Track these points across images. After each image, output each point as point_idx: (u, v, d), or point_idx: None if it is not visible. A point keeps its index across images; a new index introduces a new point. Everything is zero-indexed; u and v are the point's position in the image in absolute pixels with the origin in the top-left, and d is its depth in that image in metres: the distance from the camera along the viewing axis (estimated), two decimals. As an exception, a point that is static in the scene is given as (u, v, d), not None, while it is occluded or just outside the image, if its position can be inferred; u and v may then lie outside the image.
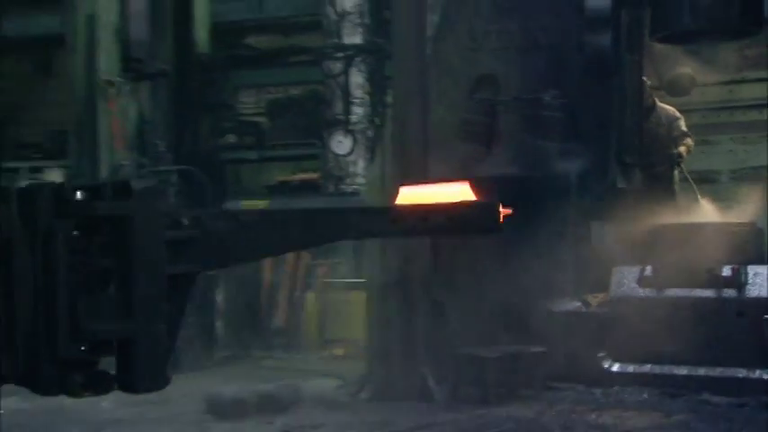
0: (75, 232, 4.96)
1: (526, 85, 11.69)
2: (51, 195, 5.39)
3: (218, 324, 14.54)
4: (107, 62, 13.87)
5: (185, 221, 5.96)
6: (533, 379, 10.47)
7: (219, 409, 9.99)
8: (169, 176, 13.75)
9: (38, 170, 19.51)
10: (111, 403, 11.05)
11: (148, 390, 6.07)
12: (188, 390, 11.22)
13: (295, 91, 19.78)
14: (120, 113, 13.75)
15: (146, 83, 14.03)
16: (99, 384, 5.39)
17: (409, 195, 7.33)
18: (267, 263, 15.23)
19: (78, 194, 5.28)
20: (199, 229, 6.19)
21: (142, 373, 5.72)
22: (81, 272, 5.31)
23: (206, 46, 14.88)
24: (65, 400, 10.41)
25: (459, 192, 7.38)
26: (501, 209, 7.59)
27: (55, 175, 18.28)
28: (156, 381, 6.08)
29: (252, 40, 20.59)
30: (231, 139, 17.39)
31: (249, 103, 20.52)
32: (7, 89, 22.48)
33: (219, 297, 14.52)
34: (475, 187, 7.57)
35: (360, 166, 15.84)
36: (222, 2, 16.21)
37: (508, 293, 10.76)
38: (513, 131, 11.77)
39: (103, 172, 13.52)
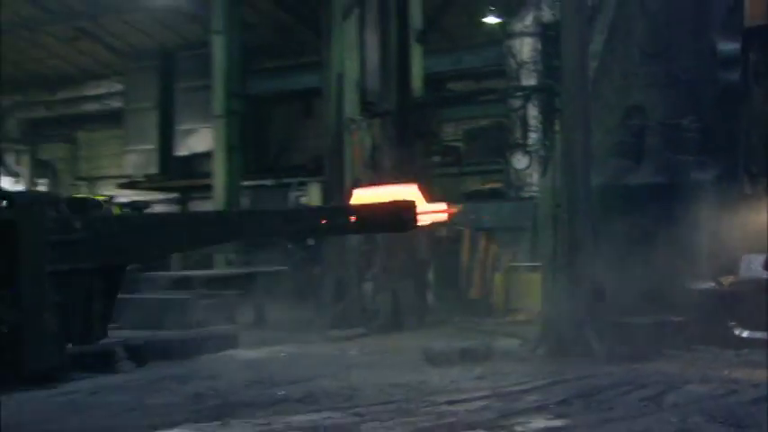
0: None
1: (668, 112, 11.55)
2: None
3: (430, 296, 14.45)
4: (350, 106, 14.08)
5: (77, 225, 5.80)
6: (675, 342, 10.15)
7: (432, 358, 10.02)
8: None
9: (303, 184, 19.85)
10: (356, 351, 11.20)
11: (36, 371, 5.91)
12: (409, 344, 11.23)
13: (484, 122, 19.82)
14: (359, 142, 13.94)
15: (377, 119, 14.13)
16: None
17: (360, 196, 7.09)
18: (465, 251, 15.14)
19: None
20: (90, 231, 5.78)
21: (30, 355, 5.57)
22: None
23: (420, 91, 14.87)
24: (323, 348, 10.53)
25: (408, 193, 7.07)
26: (433, 208, 7.28)
27: (315, 188, 18.62)
28: (45, 361, 5.88)
29: (452, 85, 20.58)
30: (437, 158, 17.33)
31: (450, 132, 20.63)
32: (282, 127, 23.11)
33: (430, 276, 14.50)
34: (422, 188, 7.35)
35: (534, 177, 15.75)
36: (431, 58, 16.16)
37: (654, 275, 10.51)
38: (658, 149, 11.59)
39: (348, 184, 13.71)
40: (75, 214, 5.72)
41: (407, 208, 6.28)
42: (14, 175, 27.47)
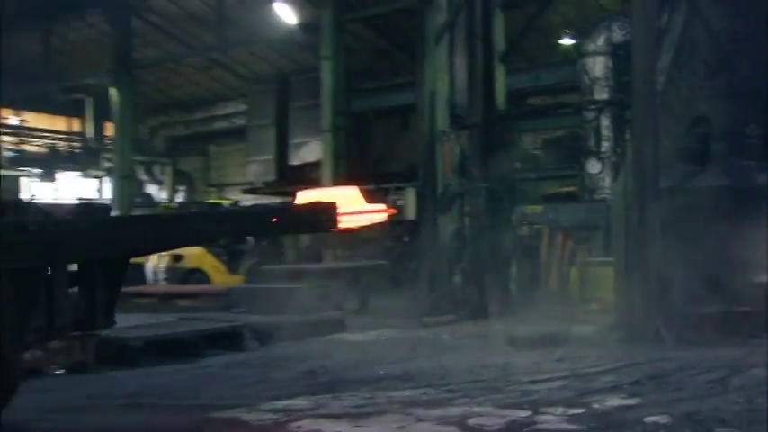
0: None
1: (730, 121, 11.20)
2: None
3: (512, 286, 14.29)
4: (441, 120, 14.00)
5: (31, 228, 5.53)
6: (740, 331, 9.73)
7: (516, 342, 9.89)
8: (480, 191, 13.77)
9: (400, 189, 19.85)
10: (448, 336, 11.12)
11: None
12: (495, 330, 11.11)
13: (560, 132, 19.52)
14: (450, 152, 13.87)
15: (465, 131, 14.07)
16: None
17: (304, 197, 6.82)
18: (544, 247, 14.93)
19: None
20: (45, 233, 5.45)
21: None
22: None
23: (503, 105, 14.80)
24: (419, 333, 10.46)
25: (348, 194, 6.78)
26: (371, 209, 6.99)
27: (411, 192, 18.61)
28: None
29: (531, 100, 20.35)
30: (518, 165, 17.15)
31: (530, 142, 20.42)
32: (381, 139, 23.17)
33: (513, 269, 14.34)
34: (362, 190, 7.06)
35: (606, 181, 15.43)
36: (512, 76, 16.02)
37: (719, 269, 10.20)
38: (722, 155, 11.25)
39: (439, 189, 13.68)
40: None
41: (326, 210, 6.09)
42: (159, 183, 28.15)
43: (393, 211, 6.79)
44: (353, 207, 6.21)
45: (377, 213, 6.37)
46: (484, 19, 14.45)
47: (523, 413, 6.12)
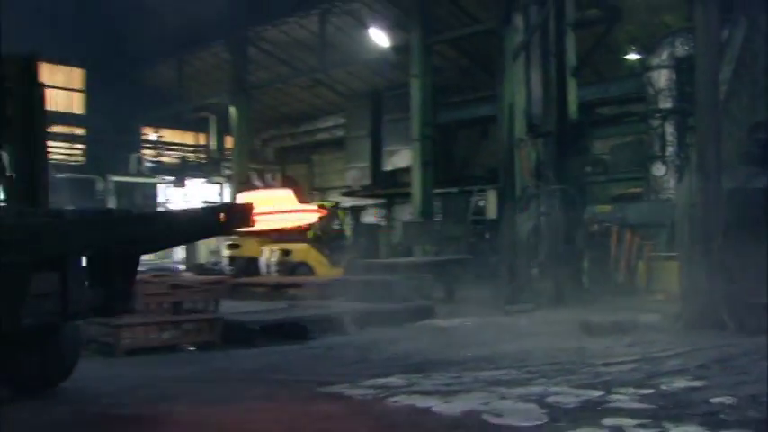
0: None
1: None
2: None
3: (584, 278, 14.00)
4: (519, 129, 13.80)
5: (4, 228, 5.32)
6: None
7: (589, 329, 9.59)
8: (555, 192, 13.58)
9: (482, 191, 19.71)
10: (526, 322, 10.98)
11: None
12: (569, 318, 10.87)
13: (628, 139, 19.08)
14: (527, 157, 13.68)
15: (540, 139, 13.87)
16: None
17: (244, 198, 6.37)
18: (613, 243, 14.60)
19: None
20: (20, 230, 5.40)
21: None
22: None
23: (574, 115, 14.49)
24: (500, 319, 10.30)
25: (282, 196, 6.34)
26: (303, 209, 6.70)
27: (492, 194, 18.46)
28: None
29: (600, 109, 19.96)
30: (589, 169, 16.83)
31: (600, 147, 20.01)
32: (464, 147, 23.07)
33: (585, 263, 14.07)
34: (297, 192, 6.77)
35: (671, 183, 15.15)
36: (583, 88, 15.72)
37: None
38: None
39: (517, 191, 13.53)
40: None
41: (237, 211, 6.02)
42: (270, 187, 28.60)
43: (323, 212, 6.72)
44: (285, 207, 6.23)
45: (307, 213, 6.34)
46: (557, 38, 14.30)
47: (597, 393, 5.97)
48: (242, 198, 6.27)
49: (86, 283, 5.98)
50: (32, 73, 6.40)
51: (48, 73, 28.76)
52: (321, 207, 21.45)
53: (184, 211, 7.11)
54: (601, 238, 14.73)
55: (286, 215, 6.24)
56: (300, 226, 6.55)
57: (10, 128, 6.32)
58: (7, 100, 6.32)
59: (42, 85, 6.44)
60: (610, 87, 19.09)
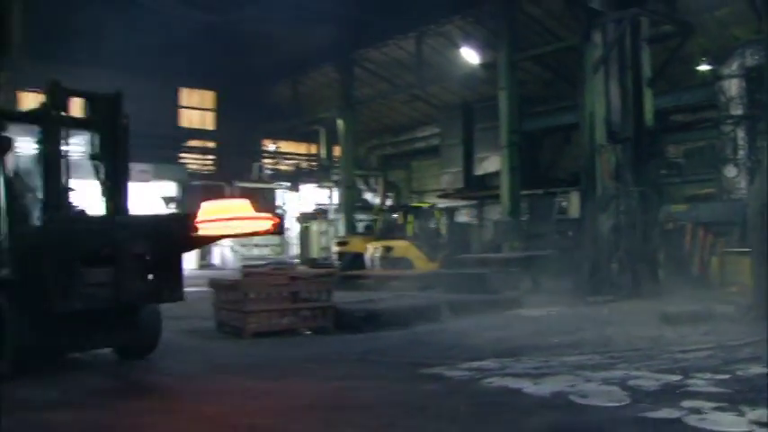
0: None
1: None
2: None
3: (661, 272, 13.54)
4: (599, 135, 13.45)
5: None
6: None
7: (667, 318, 9.32)
8: (633, 193, 13.26)
9: (566, 192, 19.37)
10: (607, 312, 10.70)
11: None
12: (647, 308, 10.60)
13: (700, 143, 18.38)
14: (607, 161, 13.34)
15: (619, 144, 13.53)
16: None
17: (206, 208, 6.26)
18: (687, 240, 14.08)
19: None
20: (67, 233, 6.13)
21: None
22: None
23: (650, 122, 14.09)
24: (583, 310, 10.06)
25: (238, 205, 6.28)
26: (257, 216, 6.45)
27: (575, 196, 18.09)
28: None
29: (675, 116, 19.28)
30: (664, 171, 16.30)
31: (674, 152, 19.33)
32: (548, 152, 22.72)
33: (661, 258, 13.65)
34: (253, 202, 6.33)
35: (742, 184, 14.48)
36: (658, 97, 15.24)
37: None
38: None
39: (598, 192, 13.18)
40: None
41: (179, 221, 6.37)
42: (373, 191, 28.87)
43: (276, 220, 6.62)
44: (242, 215, 6.23)
45: (261, 221, 6.35)
46: (633, 52, 14.00)
47: (675, 377, 5.82)
48: (204, 207, 6.38)
49: (139, 274, 6.46)
50: (118, 107, 7.06)
51: (186, 96, 30.06)
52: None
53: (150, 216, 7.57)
54: (676, 236, 14.24)
55: (242, 222, 6.29)
56: (257, 231, 6.60)
57: (103, 149, 7.02)
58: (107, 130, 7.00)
59: (126, 117, 7.04)
60: (683, 96, 18.42)
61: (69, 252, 6.12)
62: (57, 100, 6.68)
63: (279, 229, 6.64)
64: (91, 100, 7.17)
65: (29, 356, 6.22)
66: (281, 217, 6.39)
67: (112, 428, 4.77)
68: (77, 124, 7.05)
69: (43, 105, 6.71)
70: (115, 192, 6.92)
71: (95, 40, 22.57)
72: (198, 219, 6.20)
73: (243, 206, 6.35)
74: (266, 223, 6.38)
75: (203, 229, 6.23)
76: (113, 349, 7.25)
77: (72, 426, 4.84)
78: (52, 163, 6.57)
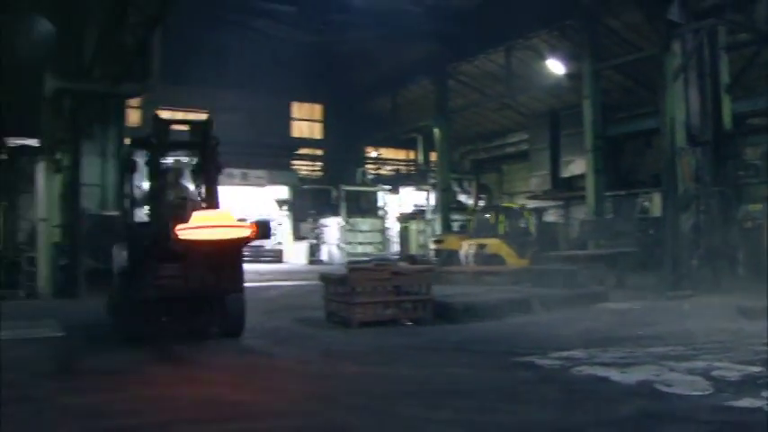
0: None
1: None
2: None
3: (739, 269, 13.10)
4: (680, 139, 13.03)
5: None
6: None
7: (745, 312, 9.01)
8: (712, 194, 12.77)
9: (648, 193, 18.82)
10: (688, 306, 10.37)
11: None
12: (726, 302, 10.21)
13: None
14: (687, 163, 12.93)
15: (699, 147, 13.06)
16: None
17: (196, 218, 6.30)
18: (765, 237, 13.37)
19: None
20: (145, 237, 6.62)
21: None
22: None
23: (729, 125, 13.54)
24: (665, 304, 9.73)
25: (223, 214, 6.32)
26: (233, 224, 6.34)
27: (656, 196, 17.49)
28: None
29: (751, 120, 18.23)
30: (742, 173, 15.52)
31: (751, 154, 18.24)
32: (631, 156, 21.98)
33: (739, 254, 13.09)
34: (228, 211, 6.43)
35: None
36: (736, 102, 14.62)
37: None
38: None
39: (679, 192, 12.79)
40: None
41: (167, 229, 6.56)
42: (467, 193, 28.79)
43: (254, 227, 6.61)
44: (224, 223, 6.39)
45: (241, 228, 6.49)
46: (711, 60, 13.53)
47: (756, 369, 5.66)
48: (195, 216, 6.61)
49: (203, 269, 6.94)
50: (209, 129, 7.69)
51: (297, 109, 30.98)
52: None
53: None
54: (754, 234, 13.62)
55: (224, 228, 6.48)
56: (239, 237, 6.75)
57: (198, 163, 7.69)
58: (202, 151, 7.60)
59: (215, 138, 7.58)
60: (760, 101, 17.41)
61: (147, 250, 6.86)
62: (158, 129, 7.46)
63: (262, 235, 6.89)
64: (187, 125, 8.02)
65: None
66: (265, 224, 6.48)
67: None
68: (176, 146, 7.87)
69: (147, 134, 7.48)
70: (208, 196, 7.49)
71: (220, 62, 23.73)
72: (191, 225, 6.55)
73: (226, 215, 6.70)
74: (246, 230, 6.71)
75: (194, 234, 6.48)
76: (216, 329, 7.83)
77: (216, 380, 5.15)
78: (152, 178, 7.36)
